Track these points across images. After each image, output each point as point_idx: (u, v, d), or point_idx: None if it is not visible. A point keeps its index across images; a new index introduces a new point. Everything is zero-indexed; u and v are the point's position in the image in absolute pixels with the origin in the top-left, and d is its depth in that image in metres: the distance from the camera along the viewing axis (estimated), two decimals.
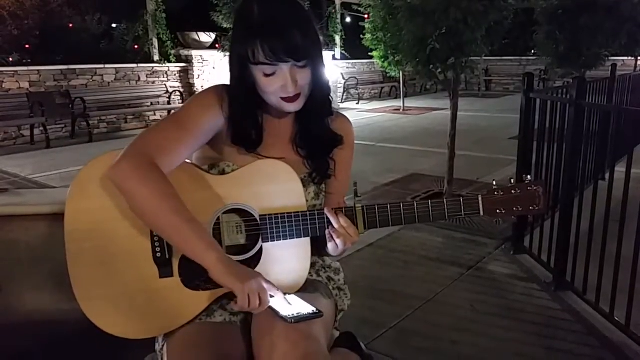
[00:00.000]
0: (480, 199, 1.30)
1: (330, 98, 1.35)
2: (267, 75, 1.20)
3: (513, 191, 1.30)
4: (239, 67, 1.24)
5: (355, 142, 1.47)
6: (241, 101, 1.27)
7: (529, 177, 1.34)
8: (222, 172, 1.30)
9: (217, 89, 1.31)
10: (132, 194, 1.14)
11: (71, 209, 1.24)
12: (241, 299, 1.14)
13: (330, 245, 1.30)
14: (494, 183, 1.33)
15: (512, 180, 1.33)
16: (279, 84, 1.21)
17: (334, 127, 1.39)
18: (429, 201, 1.29)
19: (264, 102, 1.28)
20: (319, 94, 1.30)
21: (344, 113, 1.47)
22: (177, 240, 1.17)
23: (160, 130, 1.23)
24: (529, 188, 1.31)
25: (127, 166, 1.14)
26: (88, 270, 1.24)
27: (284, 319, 1.15)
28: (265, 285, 1.17)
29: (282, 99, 1.24)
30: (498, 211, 1.30)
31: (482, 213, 1.30)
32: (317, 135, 1.36)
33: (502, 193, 1.30)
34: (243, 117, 1.29)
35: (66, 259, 1.23)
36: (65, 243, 1.24)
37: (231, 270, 1.15)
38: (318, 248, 1.35)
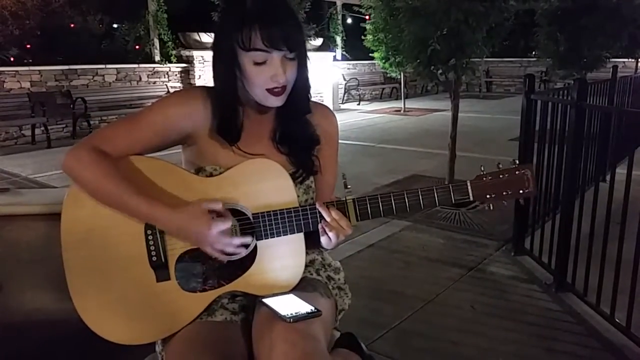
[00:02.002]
0: (469, 184, 1.30)
1: (309, 95, 1.36)
2: (257, 64, 1.21)
3: (501, 175, 1.30)
4: (226, 56, 1.24)
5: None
6: (226, 90, 1.27)
7: (516, 160, 1.33)
8: (210, 175, 1.30)
9: (194, 90, 1.32)
10: (79, 180, 1.24)
11: (66, 218, 1.25)
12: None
13: (323, 239, 1.30)
14: (482, 168, 1.32)
15: (500, 165, 1.32)
16: (269, 73, 1.22)
17: (316, 119, 1.39)
18: (419, 189, 1.29)
19: (246, 99, 1.29)
20: (300, 92, 1.30)
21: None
22: (127, 210, 1.22)
23: (112, 124, 1.32)
24: (516, 172, 1.30)
25: (70, 158, 1.24)
26: (85, 279, 1.25)
27: (282, 318, 1.15)
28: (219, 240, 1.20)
29: (268, 91, 1.24)
30: (488, 196, 1.30)
31: (471, 198, 1.30)
32: (296, 133, 1.36)
33: (490, 178, 1.30)
34: (226, 107, 1.29)
35: (63, 268, 1.24)
36: (62, 252, 1.24)
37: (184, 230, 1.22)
38: (314, 242, 1.35)
